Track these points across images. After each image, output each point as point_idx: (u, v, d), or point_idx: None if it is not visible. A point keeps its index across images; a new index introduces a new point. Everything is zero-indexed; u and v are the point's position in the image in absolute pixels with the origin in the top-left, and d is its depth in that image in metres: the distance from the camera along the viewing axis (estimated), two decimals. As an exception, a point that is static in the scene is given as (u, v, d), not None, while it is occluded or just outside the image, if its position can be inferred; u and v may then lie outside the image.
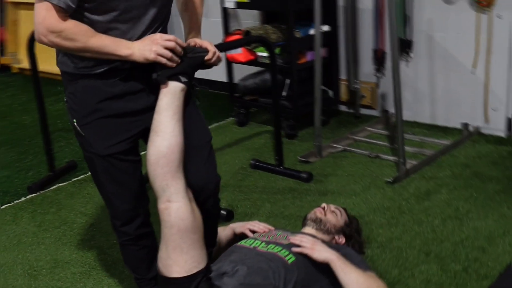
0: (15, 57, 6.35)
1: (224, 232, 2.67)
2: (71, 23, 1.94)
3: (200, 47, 2.18)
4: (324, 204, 2.67)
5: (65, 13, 1.93)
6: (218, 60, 2.23)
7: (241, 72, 4.44)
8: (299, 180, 3.50)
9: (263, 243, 2.37)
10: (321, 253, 2.31)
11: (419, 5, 4.01)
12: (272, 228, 2.59)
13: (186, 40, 2.29)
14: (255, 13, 4.52)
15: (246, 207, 3.26)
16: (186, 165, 2.18)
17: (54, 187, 3.63)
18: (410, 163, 3.53)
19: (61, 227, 3.17)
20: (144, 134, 2.20)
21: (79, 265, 2.82)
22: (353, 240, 2.66)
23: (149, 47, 2.01)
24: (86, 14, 1.99)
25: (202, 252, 2.22)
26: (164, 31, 2.18)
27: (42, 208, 3.39)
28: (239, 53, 4.10)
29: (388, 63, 4.15)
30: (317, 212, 2.62)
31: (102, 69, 2.06)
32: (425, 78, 4.14)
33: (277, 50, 4.08)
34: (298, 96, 4.06)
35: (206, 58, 2.17)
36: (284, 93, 4.11)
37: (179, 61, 2.10)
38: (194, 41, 2.21)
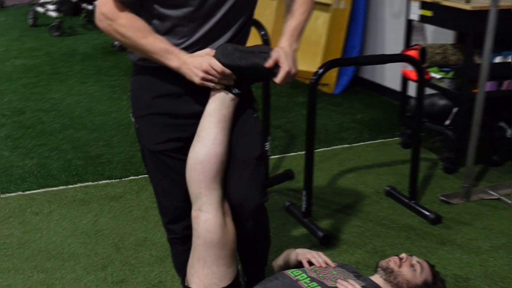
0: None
1: (290, 255, 2.50)
2: (125, 16, 1.92)
3: (279, 63, 1.98)
4: (403, 255, 2.35)
5: (122, 3, 1.91)
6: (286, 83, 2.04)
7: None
8: (426, 220, 3.13)
9: (308, 279, 2.17)
10: (360, 307, 2.06)
11: None
12: (332, 264, 2.35)
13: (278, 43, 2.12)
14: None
15: (352, 235, 3.01)
16: (227, 178, 2.07)
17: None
18: None
19: (170, 209, 3.26)
20: None
21: (161, 249, 2.87)
22: (429, 304, 2.32)
23: (196, 71, 1.93)
24: (156, 6, 1.95)
25: (228, 270, 2.10)
26: (240, 35, 2.06)
27: (168, 186, 3.51)
28: (412, 70, 3.76)
29: None
30: (391, 262, 2.31)
31: (160, 65, 2.01)
32: None
33: (450, 74, 3.68)
34: (465, 128, 3.61)
35: (274, 80, 2.01)
36: (447, 122, 3.69)
37: (231, 82, 1.99)
38: (277, 55, 1.98)
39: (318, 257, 2.38)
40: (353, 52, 5.31)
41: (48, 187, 3.50)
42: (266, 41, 3.31)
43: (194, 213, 2.08)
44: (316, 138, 4.28)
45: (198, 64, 1.91)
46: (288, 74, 1.98)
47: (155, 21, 1.98)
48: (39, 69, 6.03)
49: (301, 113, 4.80)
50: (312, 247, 2.91)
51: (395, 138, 4.26)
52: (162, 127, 2.09)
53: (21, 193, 3.44)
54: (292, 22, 2.11)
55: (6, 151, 4.03)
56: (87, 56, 6.59)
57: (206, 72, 1.91)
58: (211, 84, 1.95)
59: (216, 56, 1.94)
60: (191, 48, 1.99)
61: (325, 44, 5.29)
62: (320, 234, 2.93)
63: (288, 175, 3.64)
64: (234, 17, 2.00)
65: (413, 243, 2.94)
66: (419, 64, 3.05)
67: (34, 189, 3.48)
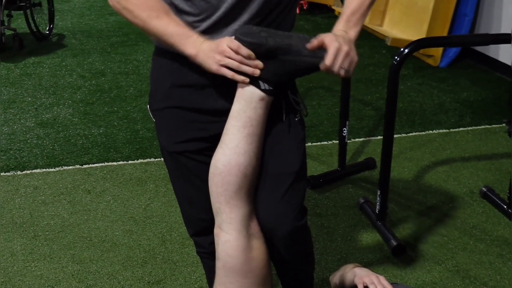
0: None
1: (347, 274, 2.11)
2: None
3: (324, 45, 1.51)
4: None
5: None
6: (344, 69, 1.53)
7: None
8: (526, 235, 2.63)
9: (360, 309, 1.80)
10: None
11: None
12: (393, 294, 1.94)
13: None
14: None
15: (432, 246, 2.56)
16: (257, 196, 1.69)
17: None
18: None
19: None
20: None
21: (210, 246, 2.57)
22: None
23: (211, 55, 1.53)
24: None
25: (254, 302, 1.75)
26: (277, 21, 1.64)
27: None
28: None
29: None
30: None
31: None
32: None
33: None
34: None
35: (321, 68, 1.53)
36: None
37: (256, 71, 1.56)
38: (323, 37, 1.52)
39: (377, 283, 1.97)
40: (464, 21, 4.69)
41: (107, 161, 3.29)
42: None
43: (215, 229, 1.73)
44: (409, 119, 3.83)
45: (215, 46, 1.52)
46: (338, 51, 1.49)
47: None
48: (130, 27, 5.85)
49: (400, 89, 4.29)
50: (383, 257, 2.51)
51: (503, 125, 3.70)
52: (183, 123, 1.72)
53: (79, 166, 3.24)
54: (351, 4, 1.65)
55: (76, 117, 3.86)
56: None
57: (223, 54, 1.52)
58: (229, 73, 1.54)
59: (235, 36, 1.54)
60: (213, 29, 1.59)
61: (432, 10, 4.70)
62: (393, 243, 2.51)
63: (369, 164, 3.21)
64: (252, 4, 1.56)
65: (506, 262, 2.46)
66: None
67: (93, 163, 3.27)
